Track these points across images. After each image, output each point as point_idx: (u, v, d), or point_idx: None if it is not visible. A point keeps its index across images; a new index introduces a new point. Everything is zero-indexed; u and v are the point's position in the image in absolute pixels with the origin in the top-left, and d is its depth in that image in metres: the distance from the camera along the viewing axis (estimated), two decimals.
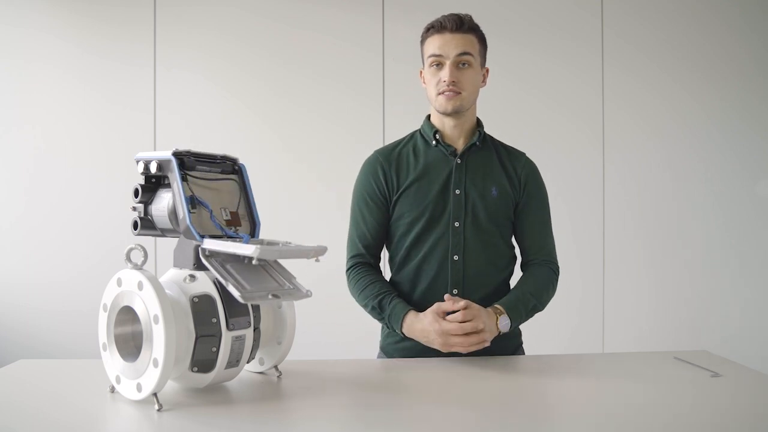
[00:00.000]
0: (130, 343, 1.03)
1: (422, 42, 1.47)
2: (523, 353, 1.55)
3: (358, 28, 2.83)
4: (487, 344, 1.30)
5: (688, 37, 2.84)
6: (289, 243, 1.08)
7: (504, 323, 1.34)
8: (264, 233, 1.15)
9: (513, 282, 1.52)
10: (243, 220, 1.13)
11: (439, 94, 1.42)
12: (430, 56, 1.42)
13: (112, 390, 1.04)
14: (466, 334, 1.27)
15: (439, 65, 1.42)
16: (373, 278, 1.46)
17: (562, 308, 2.88)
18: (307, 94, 2.82)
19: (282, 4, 2.83)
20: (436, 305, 1.33)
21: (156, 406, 0.96)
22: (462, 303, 1.30)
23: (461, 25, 1.41)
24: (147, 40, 2.81)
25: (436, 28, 1.43)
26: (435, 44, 1.42)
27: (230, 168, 1.14)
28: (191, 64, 2.81)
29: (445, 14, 1.43)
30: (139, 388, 0.96)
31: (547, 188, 1.55)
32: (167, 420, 0.93)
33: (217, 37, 2.82)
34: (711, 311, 2.83)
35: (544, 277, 1.48)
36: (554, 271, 1.50)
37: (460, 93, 1.42)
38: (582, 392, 1.11)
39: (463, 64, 1.41)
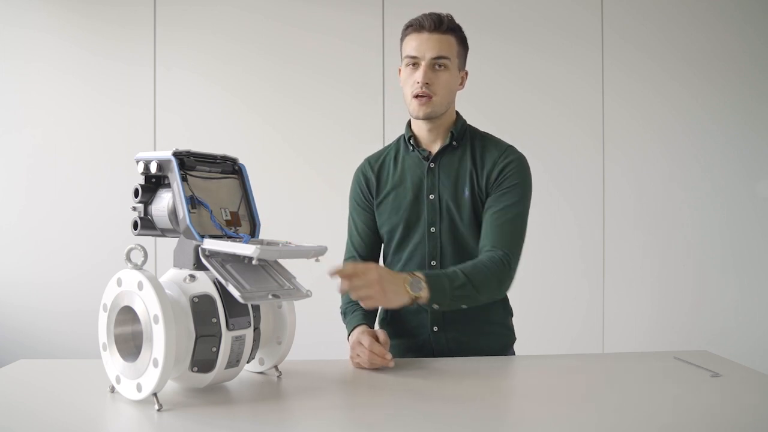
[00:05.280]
0: (130, 343, 1.03)
1: (401, 40, 1.43)
2: (513, 353, 1.52)
3: (358, 28, 2.83)
4: (377, 296, 1.13)
5: (688, 37, 2.84)
6: (289, 243, 1.08)
7: (417, 286, 1.19)
8: (264, 233, 1.15)
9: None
10: (243, 220, 1.13)
11: (413, 97, 1.39)
12: (407, 57, 1.39)
13: (112, 390, 1.04)
14: (372, 353, 1.25)
15: (416, 65, 1.38)
16: None
17: (562, 308, 2.89)
18: (307, 94, 2.82)
19: (282, 4, 2.83)
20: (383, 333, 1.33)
21: (156, 406, 0.96)
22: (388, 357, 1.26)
23: (440, 25, 1.36)
24: (147, 40, 2.81)
25: (414, 26, 1.39)
26: (412, 44, 1.38)
27: (230, 168, 1.14)
28: (191, 64, 2.81)
29: (426, 13, 1.38)
30: (139, 388, 0.96)
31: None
32: (167, 420, 0.93)
33: (217, 37, 2.82)
34: (711, 311, 2.83)
35: (489, 263, 1.30)
36: (504, 262, 1.31)
37: (431, 98, 1.37)
38: (582, 392, 1.11)
39: (439, 66, 1.37)
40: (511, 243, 1.35)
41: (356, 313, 1.43)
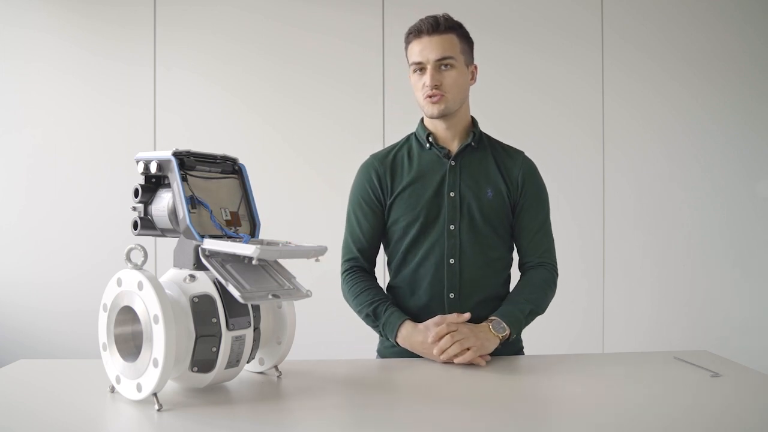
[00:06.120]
0: (130, 343, 1.03)
1: (405, 48, 1.46)
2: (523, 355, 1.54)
3: (358, 28, 2.83)
4: (485, 358, 1.29)
5: (688, 37, 2.84)
6: (289, 243, 1.08)
7: (499, 327, 1.32)
8: (264, 233, 1.15)
9: (513, 284, 1.51)
10: (243, 220, 1.13)
11: (425, 98, 1.41)
12: (412, 63, 1.42)
13: (112, 390, 1.04)
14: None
15: (422, 70, 1.40)
16: (368, 284, 1.46)
17: (562, 308, 2.87)
18: (307, 94, 2.82)
19: (282, 4, 2.83)
20: (439, 317, 1.33)
21: (156, 406, 0.96)
22: (466, 315, 1.32)
23: (437, 26, 1.38)
24: (147, 40, 2.81)
25: (413, 33, 1.41)
26: (415, 50, 1.41)
27: (230, 168, 1.14)
28: (191, 64, 2.81)
29: (423, 17, 1.41)
30: (139, 388, 0.96)
31: (547, 187, 1.54)
32: (167, 420, 0.93)
33: (217, 37, 2.82)
34: (711, 311, 2.83)
35: (540, 280, 1.46)
36: (551, 272, 1.48)
37: (444, 96, 1.39)
38: (582, 392, 1.11)
39: (445, 66, 1.39)
40: (550, 249, 1.51)
41: (391, 309, 1.40)
